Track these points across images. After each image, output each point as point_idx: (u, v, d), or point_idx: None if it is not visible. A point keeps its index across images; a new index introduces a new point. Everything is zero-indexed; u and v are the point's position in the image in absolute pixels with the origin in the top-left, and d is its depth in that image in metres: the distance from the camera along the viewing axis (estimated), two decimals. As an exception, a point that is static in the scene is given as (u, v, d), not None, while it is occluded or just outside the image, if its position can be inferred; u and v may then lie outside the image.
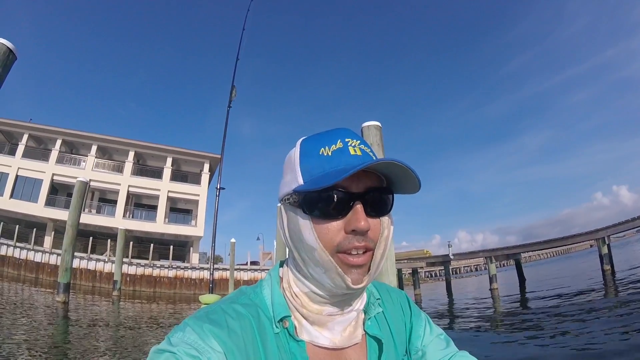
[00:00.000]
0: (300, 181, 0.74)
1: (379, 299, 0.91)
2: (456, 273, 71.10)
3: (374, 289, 0.92)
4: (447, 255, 26.05)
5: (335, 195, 0.71)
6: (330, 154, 0.74)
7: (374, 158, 0.76)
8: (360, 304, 0.85)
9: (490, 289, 21.59)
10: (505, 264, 66.55)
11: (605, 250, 19.34)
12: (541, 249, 29.00)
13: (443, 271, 36.13)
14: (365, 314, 0.86)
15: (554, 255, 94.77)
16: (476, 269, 78.56)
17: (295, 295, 0.80)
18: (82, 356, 6.54)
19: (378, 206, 0.75)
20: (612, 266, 18.99)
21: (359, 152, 0.75)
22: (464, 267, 79.38)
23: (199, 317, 0.73)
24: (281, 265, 0.89)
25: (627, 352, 5.75)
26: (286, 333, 0.76)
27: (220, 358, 0.67)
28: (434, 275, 69.64)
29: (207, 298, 6.09)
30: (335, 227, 0.72)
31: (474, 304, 17.48)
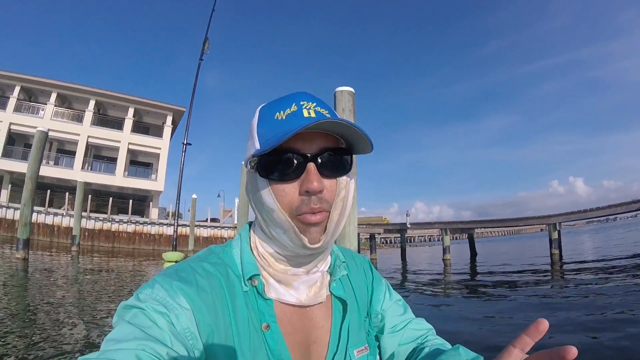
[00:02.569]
0: (257, 145, 0.76)
1: (344, 262, 0.94)
2: (410, 241, 72.83)
3: (339, 252, 0.95)
4: (405, 223, 26.29)
5: (288, 157, 0.73)
6: (284, 117, 0.76)
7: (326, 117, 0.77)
8: (324, 265, 0.88)
9: (443, 259, 22.08)
10: (459, 237, 68.70)
11: (555, 235, 20.04)
12: (495, 227, 30.05)
13: (399, 238, 36.79)
14: (331, 275, 0.89)
15: (505, 234, 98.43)
16: (430, 240, 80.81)
17: (262, 255, 0.83)
18: (47, 316, 6.47)
19: (333, 167, 0.77)
20: (560, 251, 19.76)
21: (313, 114, 0.76)
22: (418, 236, 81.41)
23: (168, 275, 0.74)
24: (250, 226, 0.92)
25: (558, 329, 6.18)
26: (254, 291, 0.79)
27: (188, 315, 0.69)
28: (389, 242, 71.07)
29: (171, 255, 6.19)
30: (290, 189, 0.74)
31: (426, 271, 18.02)
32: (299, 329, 0.81)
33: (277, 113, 0.77)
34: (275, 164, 0.74)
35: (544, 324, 0.54)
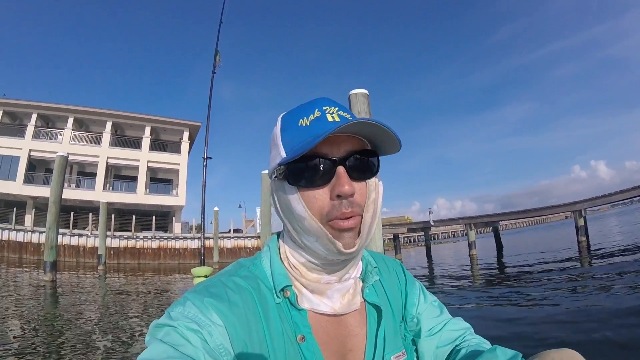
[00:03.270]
0: (283, 154, 0.75)
1: (376, 267, 0.93)
2: (434, 239, 72.24)
3: (370, 257, 0.94)
4: (428, 221, 26.19)
5: (316, 163, 0.72)
6: (308, 123, 0.75)
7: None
8: (356, 272, 0.87)
9: (470, 255, 21.84)
10: (483, 231, 68.04)
11: (581, 222, 19.69)
12: (520, 218, 29.58)
13: (422, 237, 36.60)
14: (363, 282, 0.88)
15: (530, 225, 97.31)
16: (454, 235, 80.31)
17: (293, 266, 0.82)
18: (77, 337, 6.52)
19: (362, 169, 0.76)
20: (588, 238, 19.38)
21: (337, 118, 0.76)
22: (441, 233, 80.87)
23: (199, 291, 0.74)
24: (278, 237, 0.91)
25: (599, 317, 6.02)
26: (287, 302, 0.78)
27: (221, 331, 0.69)
28: (412, 240, 70.76)
29: (200, 270, 6.22)
30: (321, 195, 0.73)
31: (454, 269, 17.80)
32: (334, 338, 0.80)
33: (301, 120, 0.77)
34: (303, 170, 0.73)
35: None
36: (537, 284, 9.85)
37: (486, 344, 0.90)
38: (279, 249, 0.87)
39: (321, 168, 0.73)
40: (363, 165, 0.77)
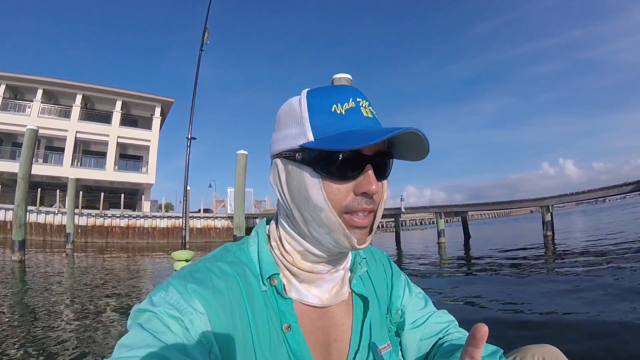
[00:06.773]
0: (311, 137, 0.72)
1: (364, 258, 0.93)
2: (403, 225, 73.00)
3: None
4: (399, 208, 26.39)
5: (350, 157, 0.70)
6: (343, 112, 0.72)
7: (378, 121, 0.76)
8: (346, 263, 0.86)
9: (438, 243, 22.12)
10: (451, 220, 69.10)
11: (548, 217, 20.20)
12: (489, 210, 30.06)
13: (392, 223, 36.82)
14: (351, 272, 0.88)
15: (496, 217, 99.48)
16: (421, 223, 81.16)
17: (287, 252, 0.80)
18: (50, 320, 6.39)
19: (384, 170, 0.76)
20: (553, 233, 19.91)
21: (369, 114, 0.74)
22: (409, 220, 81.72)
23: (183, 277, 0.72)
24: (268, 223, 0.88)
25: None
26: (274, 290, 0.77)
27: (203, 319, 0.67)
28: (382, 226, 71.37)
29: (180, 254, 6.08)
30: (345, 189, 0.71)
31: (422, 255, 18.04)
32: (319, 329, 0.80)
33: (334, 105, 0.73)
34: (334, 161, 0.70)
35: (482, 330, 0.51)
36: (504, 274, 10.07)
37: None
38: (269, 235, 0.85)
39: (353, 163, 0.71)
40: (385, 166, 0.77)
